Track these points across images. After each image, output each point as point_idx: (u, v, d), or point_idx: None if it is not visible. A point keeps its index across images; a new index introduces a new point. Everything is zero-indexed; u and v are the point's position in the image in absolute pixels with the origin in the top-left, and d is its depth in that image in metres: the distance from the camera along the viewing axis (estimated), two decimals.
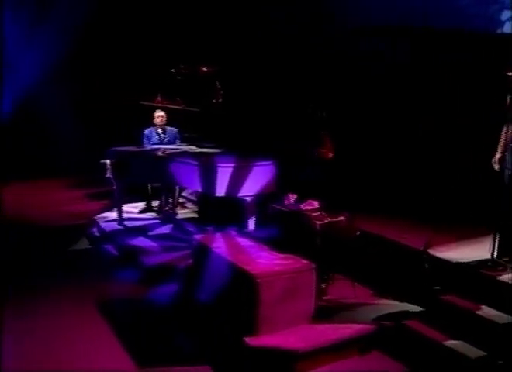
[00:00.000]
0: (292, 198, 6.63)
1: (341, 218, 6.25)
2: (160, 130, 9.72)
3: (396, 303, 6.17)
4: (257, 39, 10.95)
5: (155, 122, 9.74)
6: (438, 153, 7.99)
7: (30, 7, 13.91)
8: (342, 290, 6.38)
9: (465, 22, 7.74)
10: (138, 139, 9.75)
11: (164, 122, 9.77)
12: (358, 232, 6.35)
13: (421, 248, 6.29)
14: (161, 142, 9.62)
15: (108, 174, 9.24)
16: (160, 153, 9.02)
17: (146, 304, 6.81)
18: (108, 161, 9.22)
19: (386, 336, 5.68)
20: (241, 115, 10.61)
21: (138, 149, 9.38)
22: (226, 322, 5.96)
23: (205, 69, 11.73)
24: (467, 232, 6.81)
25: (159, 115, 9.76)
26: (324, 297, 6.21)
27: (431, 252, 6.30)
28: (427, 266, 6.15)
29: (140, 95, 12.10)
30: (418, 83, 8.33)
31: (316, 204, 6.40)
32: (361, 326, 5.72)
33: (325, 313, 5.93)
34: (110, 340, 5.94)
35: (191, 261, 7.06)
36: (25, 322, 6.28)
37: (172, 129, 9.87)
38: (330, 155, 6.56)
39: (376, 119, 8.78)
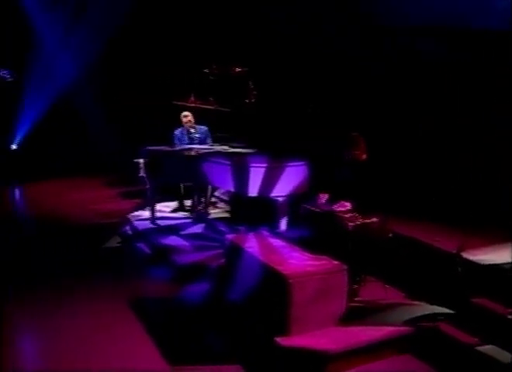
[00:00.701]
0: (324, 197, 6.62)
1: (374, 219, 6.22)
2: (192, 130, 9.77)
3: (428, 305, 6.13)
4: (290, 39, 10.94)
5: (183, 124, 9.80)
6: (473, 155, 7.92)
7: (67, 7, 14.06)
8: (374, 291, 6.36)
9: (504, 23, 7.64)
10: (170, 139, 9.82)
11: (192, 122, 9.81)
12: (391, 234, 6.32)
13: (454, 251, 6.24)
14: (192, 142, 9.67)
15: (142, 173, 9.33)
16: (193, 153, 9.08)
17: (178, 302, 6.85)
18: (141, 160, 9.31)
19: (418, 339, 5.64)
20: (274, 115, 10.61)
21: (171, 149, 9.45)
22: (257, 322, 5.97)
23: (238, 69, 11.77)
24: (500, 235, 6.74)
25: (186, 117, 9.81)
26: (356, 299, 6.19)
27: (464, 255, 6.25)
28: (460, 269, 6.10)
29: (173, 95, 12.19)
30: (455, 83, 8.26)
31: (348, 205, 6.38)
32: (392, 328, 5.69)
33: (356, 314, 5.91)
34: (142, 339, 5.98)
35: (223, 261, 7.09)
36: (57, 321, 6.35)
37: (202, 127, 9.92)
38: (364, 156, 6.52)
39: (410, 120, 8.72)
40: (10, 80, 14.81)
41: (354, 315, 5.87)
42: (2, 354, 5.69)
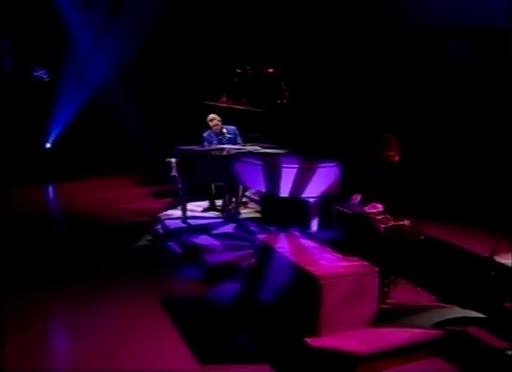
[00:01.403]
0: (357, 198, 6.60)
1: (406, 221, 6.20)
2: (224, 130, 9.80)
3: (459, 309, 6.08)
4: (322, 40, 10.93)
5: (212, 127, 9.80)
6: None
7: (101, 8, 14.21)
8: (405, 294, 6.33)
9: None
10: (201, 140, 9.86)
11: (220, 125, 9.81)
12: (423, 236, 6.29)
13: (487, 254, 6.18)
14: (222, 142, 9.70)
15: (174, 173, 9.39)
16: (224, 153, 9.12)
17: (208, 302, 6.89)
18: (173, 160, 9.38)
19: (448, 342, 5.61)
20: (306, 116, 10.61)
21: (203, 149, 9.49)
22: (287, 322, 5.99)
23: (270, 70, 11.79)
24: None
25: (212, 121, 9.79)
26: (386, 301, 6.17)
27: (497, 258, 6.19)
28: (492, 273, 6.05)
29: (205, 95, 12.25)
30: (483, 83, 8.20)
31: (380, 207, 6.37)
32: (423, 331, 5.66)
33: (387, 317, 5.89)
34: (173, 338, 6.01)
35: (253, 260, 7.12)
36: (89, 320, 6.40)
37: (231, 127, 9.93)
38: (397, 158, 6.50)
39: (442, 122, 8.67)
40: (47, 80, 15.03)
41: (384, 317, 5.86)
42: (35, 351, 5.79)
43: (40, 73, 15.15)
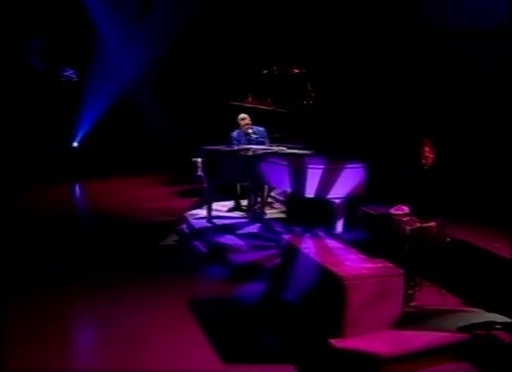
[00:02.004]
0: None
1: (432, 223, 6.17)
2: (250, 131, 9.82)
3: (485, 313, 6.03)
4: (348, 40, 10.91)
5: (241, 126, 9.84)
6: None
7: (129, 8, 14.31)
8: (430, 297, 6.29)
9: None
10: (228, 140, 9.89)
11: (250, 124, 9.85)
12: (449, 239, 6.25)
13: None
14: (250, 143, 9.72)
15: (199, 172, 9.44)
16: (250, 153, 9.14)
17: (233, 301, 6.90)
18: (199, 159, 9.42)
19: (474, 346, 5.57)
20: (332, 116, 10.59)
21: (229, 149, 9.51)
22: (311, 323, 5.99)
23: (296, 70, 11.78)
24: None
25: (243, 119, 9.84)
26: (411, 303, 6.15)
27: None
28: None
29: (231, 95, 12.28)
30: (508, 84, 8.11)
31: (406, 209, 6.34)
32: (448, 334, 5.63)
33: (411, 319, 5.86)
34: (198, 337, 6.03)
35: (278, 261, 7.12)
36: (114, 319, 6.44)
37: (260, 128, 9.96)
38: (430, 161, 6.45)
39: (467, 123, 8.61)
40: (75, 80, 15.17)
41: (409, 320, 5.83)
42: (58, 349, 5.85)
43: (69, 73, 15.29)
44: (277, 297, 6.60)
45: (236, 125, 9.92)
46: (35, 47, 14.92)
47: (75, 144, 14.92)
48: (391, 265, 5.90)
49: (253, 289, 7.08)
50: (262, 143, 9.78)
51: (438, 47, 9.20)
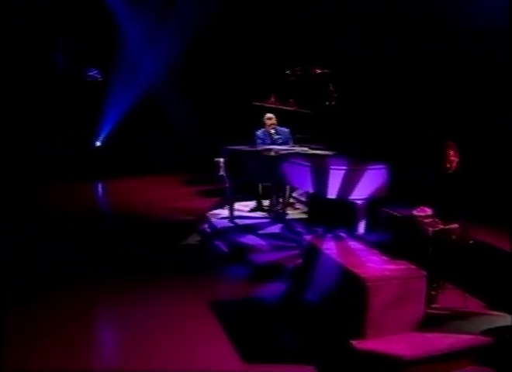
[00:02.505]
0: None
1: (455, 225, 6.13)
2: (272, 131, 9.82)
3: (509, 317, 5.98)
4: (372, 40, 10.87)
5: (266, 126, 9.85)
6: None
7: (151, 7, 14.38)
8: (452, 299, 6.24)
9: None
10: (250, 139, 9.90)
11: (275, 124, 9.87)
12: (472, 241, 6.21)
13: None
14: (274, 143, 9.72)
15: (222, 172, 9.46)
16: (272, 154, 9.14)
17: (254, 301, 6.91)
18: (221, 159, 9.44)
19: (496, 350, 5.52)
20: (354, 117, 10.57)
21: (251, 149, 9.52)
22: (333, 324, 5.98)
23: (319, 71, 11.77)
24: None
25: (270, 119, 9.85)
26: (433, 306, 6.11)
27: None
28: None
29: (254, 96, 12.29)
30: None
31: (429, 211, 6.30)
32: (470, 337, 5.58)
33: (433, 321, 5.83)
34: (219, 337, 6.04)
35: (300, 261, 7.13)
36: (135, 318, 6.48)
37: (284, 129, 9.96)
38: (454, 164, 6.40)
39: (494, 126, 8.54)
40: (100, 80, 15.27)
41: (431, 322, 5.80)
42: (78, 348, 5.90)
43: (94, 73, 15.40)
44: (298, 298, 6.60)
45: (262, 125, 9.93)
46: (61, 46, 15.04)
47: (98, 143, 15.02)
48: (413, 267, 5.87)
49: (274, 289, 7.08)
50: (285, 144, 9.77)
51: (464, 48, 9.14)
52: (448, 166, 6.40)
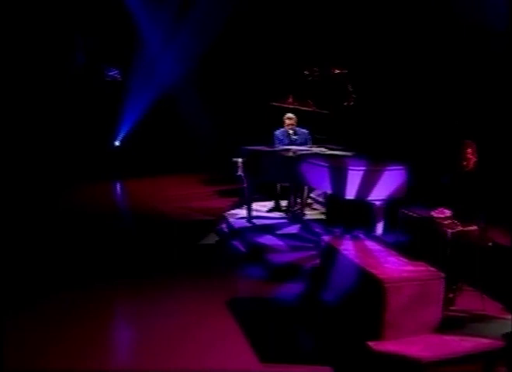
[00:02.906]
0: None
1: (474, 227, 6.10)
2: (291, 132, 9.81)
3: None
4: (391, 40, 10.82)
5: (285, 126, 9.84)
6: None
7: (171, 7, 14.43)
8: (470, 301, 6.21)
9: None
10: (268, 139, 9.90)
11: (295, 125, 9.86)
12: (491, 243, 6.18)
13: None
14: (292, 143, 9.71)
15: (240, 172, 9.47)
16: (290, 154, 9.13)
17: (271, 302, 6.92)
18: (239, 160, 9.45)
19: None
20: (373, 118, 10.53)
21: (269, 149, 9.53)
22: (350, 325, 5.98)
23: (337, 71, 11.73)
24: None
25: (290, 119, 9.84)
26: (451, 308, 6.09)
27: None
28: None
29: (272, 96, 12.28)
30: None
31: (447, 212, 6.28)
32: (488, 341, 5.55)
33: (451, 324, 5.81)
34: (236, 337, 6.05)
35: (318, 261, 7.13)
36: (153, 318, 6.49)
37: (303, 130, 9.95)
38: (472, 164, 6.38)
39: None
40: (120, 79, 15.35)
41: (448, 324, 5.78)
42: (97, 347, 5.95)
43: (114, 73, 15.48)
44: (316, 298, 6.61)
45: (280, 124, 9.93)
46: (79, 44, 15.12)
47: (117, 143, 15.09)
48: (432, 268, 5.86)
49: (292, 289, 7.09)
50: (304, 145, 9.76)
51: (484, 46, 9.08)
52: (465, 164, 6.38)
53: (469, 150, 6.41)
